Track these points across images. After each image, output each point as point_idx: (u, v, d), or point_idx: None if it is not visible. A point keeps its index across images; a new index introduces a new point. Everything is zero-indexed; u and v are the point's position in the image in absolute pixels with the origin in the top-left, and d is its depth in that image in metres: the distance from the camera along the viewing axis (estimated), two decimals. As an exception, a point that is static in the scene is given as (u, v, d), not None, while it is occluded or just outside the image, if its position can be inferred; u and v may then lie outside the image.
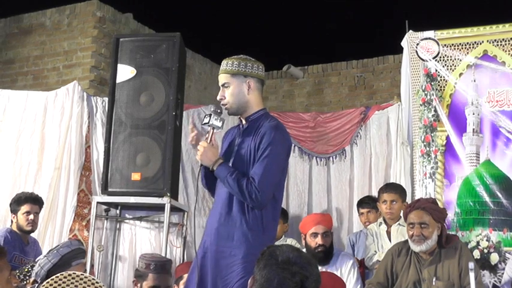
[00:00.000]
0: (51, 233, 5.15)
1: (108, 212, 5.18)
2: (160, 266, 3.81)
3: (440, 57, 5.22)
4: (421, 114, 5.17)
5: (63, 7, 7.18)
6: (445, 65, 5.20)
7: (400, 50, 5.64)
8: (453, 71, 5.19)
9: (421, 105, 5.18)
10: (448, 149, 5.11)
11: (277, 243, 2.93)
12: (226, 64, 2.94)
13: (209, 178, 3.00)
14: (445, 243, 3.75)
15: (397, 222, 4.56)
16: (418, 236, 3.70)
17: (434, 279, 3.65)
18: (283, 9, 7.94)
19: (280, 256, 2.01)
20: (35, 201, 4.64)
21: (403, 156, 5.27)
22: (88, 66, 6.86)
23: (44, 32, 7.25)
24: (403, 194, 4.68)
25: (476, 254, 4.64)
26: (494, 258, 4.66)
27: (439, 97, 5.16)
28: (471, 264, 3.20)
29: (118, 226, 5.27)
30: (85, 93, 5.52)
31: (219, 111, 2.93)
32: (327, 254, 4.20)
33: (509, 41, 5.06)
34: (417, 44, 5.28)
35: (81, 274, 1.99)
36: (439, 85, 5.20)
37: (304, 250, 3.85)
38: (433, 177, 5.04)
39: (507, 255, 4.67)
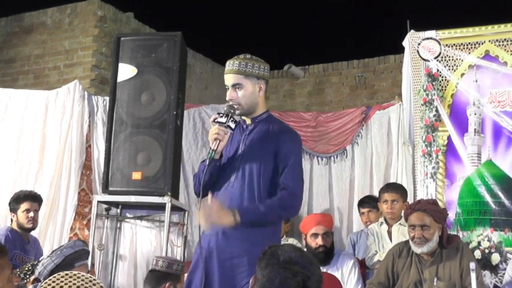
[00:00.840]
0: (52, 232, 5.17)
1: (109, 211, 5.19)
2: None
3: (442, 57, 5.21)
4: (422, 114, 5.17)
5: (64, 6, 7.18)
6: (447, 65, 5.20)
7: (401, 50, 5.64)
8: (455, 71, 5.18)
9: (422, 105, 5.17)
10: (450, 149, 5.10)
11: (277, 243, 2.92)
12: (239, 64, 2.84)
13: (214, 175, 2.87)
14: (446, 244, 3.74)
15: (398, 222, 4.55)
16: (420, 238, 3.69)
17: (435, 280, 3.64)
18: (284, 8, 7.94)
19: (281, 256, 2.00)
20: (34, 198, 4.63)
21: (404, 156, 5.26)
22: (89, 65, 6.85)
23: (45, 31, 7.25)
24: (404, 193, 4.68)
25: (478, 254, 4.63)
26: (495, 258, 4.65)
27: (440, 97, 5.15)
28: (472, 265, 3.20)
29: (119, 225, 5.28)
30: (86, 93, 5.52)
31: (232, 111, 2.84)
32: (327, 254, 4.19)
33: (511, 41, 5.05)
34: (419, 44, 5.27)
35: (79, 273, 1.98)
36: (440, 85, 5.20)
37: (305, 250, 3.84)
38: (435, 177, 5.04)
39: (508, 255, 4.66)
